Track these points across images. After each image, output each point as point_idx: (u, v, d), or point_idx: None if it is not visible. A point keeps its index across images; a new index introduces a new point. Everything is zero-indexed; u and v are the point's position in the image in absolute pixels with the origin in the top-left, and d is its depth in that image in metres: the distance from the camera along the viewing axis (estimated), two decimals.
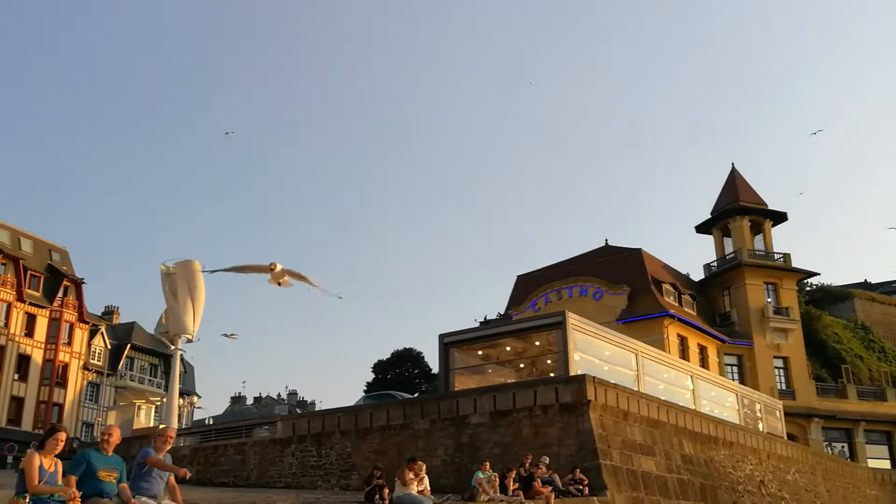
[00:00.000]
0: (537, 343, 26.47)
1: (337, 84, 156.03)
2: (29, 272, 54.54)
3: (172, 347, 29.37)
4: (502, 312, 54.02)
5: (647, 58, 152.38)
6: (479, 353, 27.34)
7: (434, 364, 56.78)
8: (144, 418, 33.15)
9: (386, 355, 69.21)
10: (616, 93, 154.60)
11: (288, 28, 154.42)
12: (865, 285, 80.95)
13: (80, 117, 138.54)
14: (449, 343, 26.33)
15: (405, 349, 69.07)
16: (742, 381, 45.89)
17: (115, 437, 7.98)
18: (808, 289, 65.65)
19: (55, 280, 56.54)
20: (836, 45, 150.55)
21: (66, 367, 55.21)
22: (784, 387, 49.24)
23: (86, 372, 57.09)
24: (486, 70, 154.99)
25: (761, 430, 33.80)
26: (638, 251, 50.26)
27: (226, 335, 29.54)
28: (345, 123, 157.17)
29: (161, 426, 28.23)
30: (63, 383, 55.03)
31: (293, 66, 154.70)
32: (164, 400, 34.12)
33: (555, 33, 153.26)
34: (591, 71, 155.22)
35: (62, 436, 7.54)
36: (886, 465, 49.30)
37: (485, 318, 61.20)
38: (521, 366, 27.60)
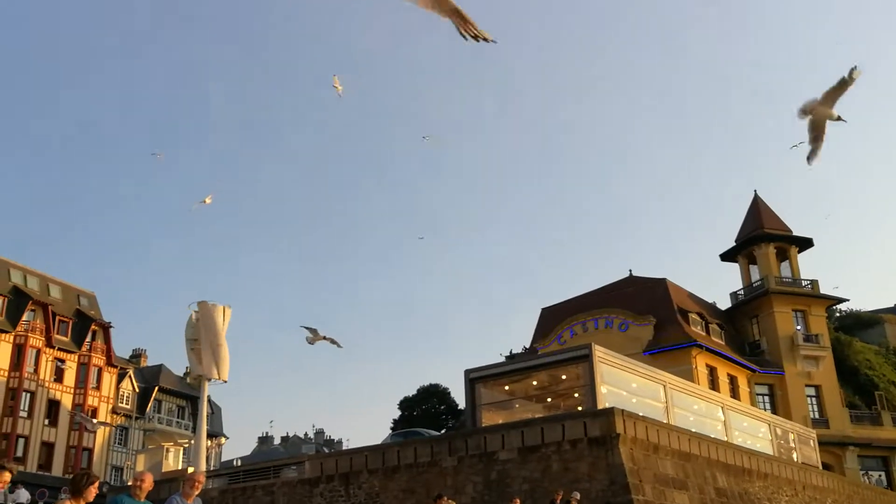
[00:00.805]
0: (564, 377, 26.33)
1: (359, 110, 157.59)
2: (58, 318, 55.17)
3: (208, 382, 29.45)
4: (528, 346, 53.80)
5: (667, 87, 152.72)
6: (506, 388, 27.22)
7: (461, 400, 56.41)
8: (173, 461, 33.22)
9: (412, 392, 69.05)
10: (637, 123, 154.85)
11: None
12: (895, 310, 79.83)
13: (106, 161, 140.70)
14: (475, 379, 26.25)
15: (431, 385, 68.84)
16: (774, 410, 45.22)
17: (148, 484, 8.02)
18: (837, 315, 64.85)
19: (83, 325, 57.11)
20: (860, 66, 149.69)
21: (94, 411, 55.48)
22: (817, 415, 48.41)
23: (114, 416, 57.38)
24: (511, 112, 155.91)
25: (796, 460, 33.23)
26: (662, 281, 49.97)
27: (330, 339, 27.95)
28: (368, 155, 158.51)
29: (189, 469, 28.26)
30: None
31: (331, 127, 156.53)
32: (192, 442, 34.20)
33: (577, 71, 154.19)
34: (610, 100, 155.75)
35: (97, 483, 7.60)
36: None
37: (510, 353, 60.91)
38: (549, 400, 27.42)
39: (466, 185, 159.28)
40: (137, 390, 60.01)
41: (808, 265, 56.77)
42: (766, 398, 48.59)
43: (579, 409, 24.37)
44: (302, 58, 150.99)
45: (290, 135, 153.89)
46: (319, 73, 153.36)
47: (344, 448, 63.85)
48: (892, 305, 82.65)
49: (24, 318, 53.04)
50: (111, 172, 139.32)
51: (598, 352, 24.06)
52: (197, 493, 8.48)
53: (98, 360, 56.66)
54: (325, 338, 27.39)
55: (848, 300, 57.45)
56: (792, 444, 34.99)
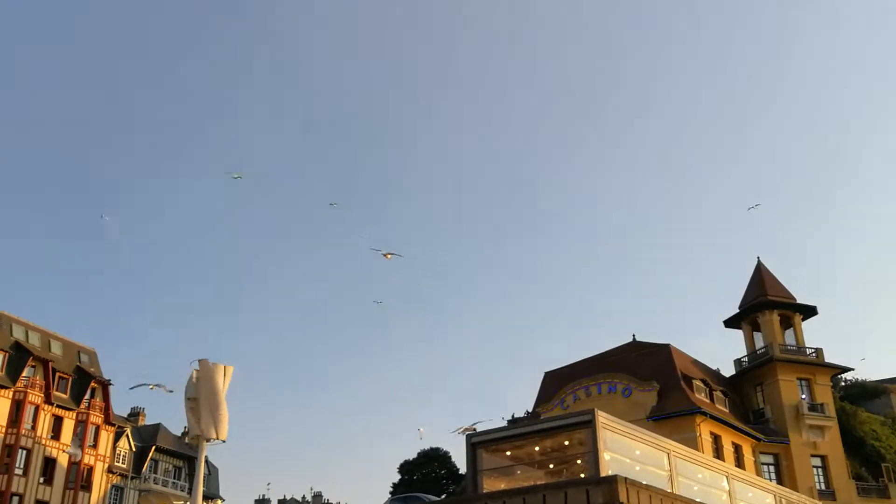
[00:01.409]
0: (566, 442, 25.98)
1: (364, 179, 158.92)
2: (57, 374, 54.95)
3: (207, 442, 29.20)
4: (530, 410, 53.30)
5: (670, 152, 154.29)
6: (508, 453, 26.85)
7: (462, 464, 55.65)
8: None
9: (412, 455, 68.11)
10: (641, 186, 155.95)
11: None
12: None
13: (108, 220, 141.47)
14: (476, 443, 25.93)
15: (432, 449, 67.92)
16: (779, 480, 44.52)
17: None
18: (842, 384, 64.26)
19: (83, 382, 56.82)
20: (862, 139, 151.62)
21: (90, 469, 54.85)
22: (823, 486, 47.60)
23: (110, 475, 56.65)
24: (506, 172, 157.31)
25: None
26: (666, 346, 49.75)
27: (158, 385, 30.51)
28: (368, 215, 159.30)
29: None
30: (87, 487, 54.57)
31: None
32: (188, 503, 33.69)
33: (584, 139, 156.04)
34: (614, 165, 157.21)
35: None
36: None
37: (512, 417, 60.32)
38: (551, 466, 27.02)
39: (471, 245, 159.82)
40: (134, 449, 59.35)
41: (812, 333, 56.54)
42: (772, 468, 47.86)
43: (582, 476, 24.02)
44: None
45: (284, 195, 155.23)
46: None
47: None
48: None
49: (24, 373, 52.83)
50: (115, 225, 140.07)
51: (602, 417, 23.80)
52: None
53: (96, 417, 56.20)
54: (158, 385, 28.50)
55: (853, 369, 57.08)
56: None
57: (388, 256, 29.03)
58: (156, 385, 28.99)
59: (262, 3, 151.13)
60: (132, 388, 29.42)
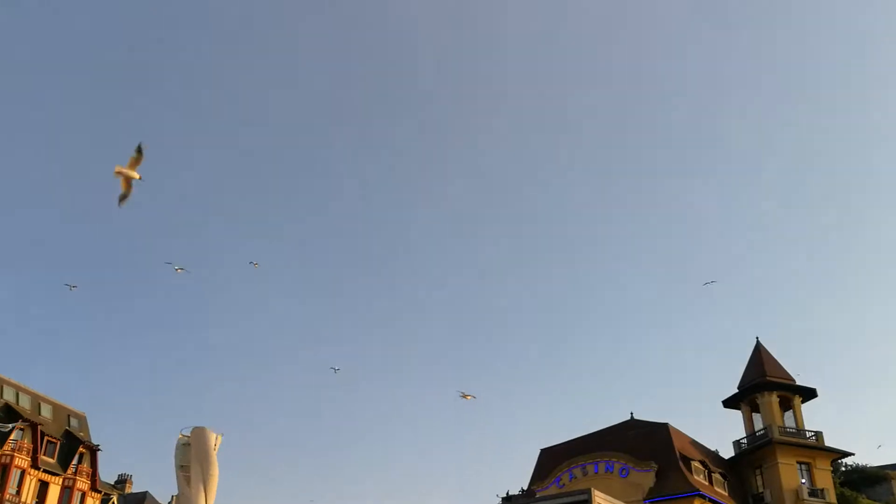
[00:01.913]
0: None
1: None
2: (46, 438, 53.99)
3: None
4: (525, 488, 52.35)
5: (669, 232, 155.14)
6: None
7: None
8: None
9: None
10: (639, 265, 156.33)
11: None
12: None
13: (104, 277, 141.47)
14: None
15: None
16: None
17: None
18: (843, 469, 63.33)
19: (71, 446, 55.81)
20: (859, 217, 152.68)
21: None
22: None
23: None
24: (503, 250, 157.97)
25: None
26: (664, 426, 49.18)
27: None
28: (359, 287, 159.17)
29: None
30: None
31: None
32: None
33: (587, 220, 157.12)
34: (614, 243, 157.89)
35: None
36: None
37: (507, 494, 59.17)
38: None
39: (466, 330, 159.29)
40: None
41: (811, 415, 55.96)
42: None
43: None
44: None
45: (286, 269, 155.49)
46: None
47: None
48: None
49: (13, 436, 51.95)
50: (114, 287, 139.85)
51: (598, 497, 23.45)
52: None
53: (83, 484, 55.04)
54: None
55: (853, 454, 56.36)
56: None
57: (468, 398, 29.58)
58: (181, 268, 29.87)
59: None
60: (170, 265, 30.45)
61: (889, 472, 66.88)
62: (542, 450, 53.13)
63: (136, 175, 20.44)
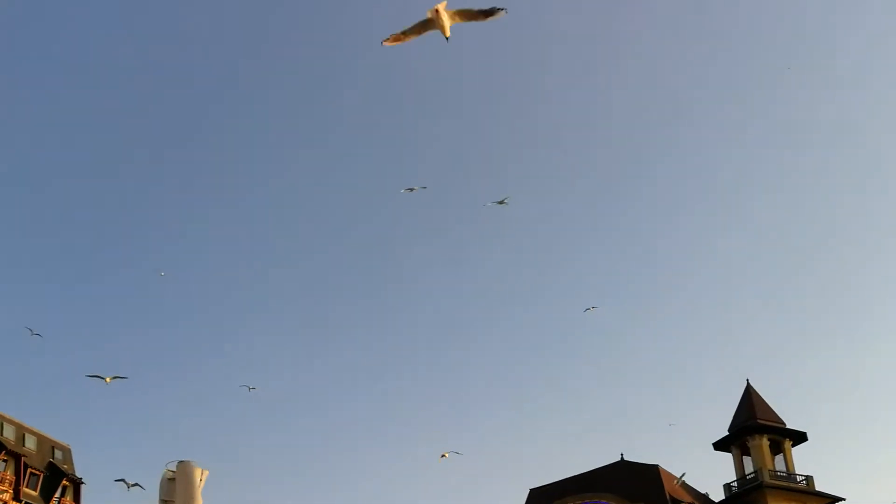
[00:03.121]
0: None
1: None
2: (29, 470, 53.25)
3: None
4: None
5: (658, 267, 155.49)
6: None
7: None
8: None
9: None
10: (627, 301, 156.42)
11: None
12: None
13: (89, 306, 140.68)
14: None
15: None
16: None
17: None
18: None
19: (55, 479, 55.05)
20: (858, 261, 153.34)
21: None
22: None
23: None
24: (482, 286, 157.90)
25: None
26: (654, 467, 48.96)
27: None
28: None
29: None
30: None
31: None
32: None
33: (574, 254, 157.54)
34: (600, 280, 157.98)
35: None
36: None
37: None
38: None
39: (462, 357, 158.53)
40: None
41: (802, 460, 55.79)
42: None
43: None
44: None
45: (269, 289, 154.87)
46: None
47: None
48: None
49: None
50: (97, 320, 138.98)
51: None
52: None
53: None
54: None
55: (845, 499, 56.00)
56: None
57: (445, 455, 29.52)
58: (134, 484, 28.65)
59: None
60: (117, 481, 29.19)
61: None
62: (531, 490, 52.73)
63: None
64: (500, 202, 34.96)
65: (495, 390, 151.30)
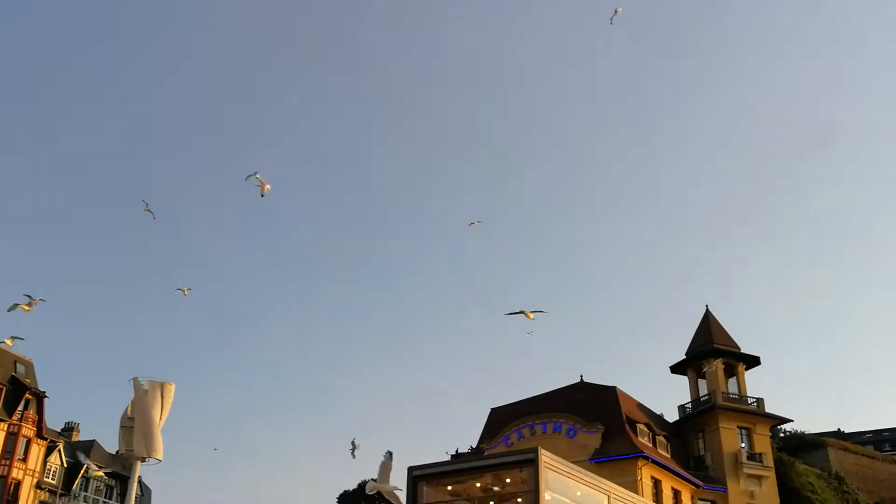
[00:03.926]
0: (508, 480, 25.84)
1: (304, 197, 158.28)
2: None
3: (141, 462, 28.39)
4: (474, 446, 53.07)
5: (624, 197, 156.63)
6: (449, 487, 26.59)
7: (403, 497, 55.02)
8: None
9: (353, 485, 67.26)
10: (591, 231, 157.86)
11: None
12: (838, 434, 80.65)
13: (62, 228, 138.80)
14: (418, 476, 25.62)
15: (373, 479, 67.08)
16: None
17: None
18: (781, 435, 65.28)
19: (17, 393, 55.07)
20: (806, 187, 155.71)
21: (18, 484, 53.05)
22: None
23: (38, 491, 54.83)
24: (458, 207, 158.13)
25: None
26: (613, 389, 50.06)
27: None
28: (312, 249, 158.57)
29: None
30: (13, 502, 52.67)
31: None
32: None
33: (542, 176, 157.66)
34: (564, 206, 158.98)
35: None
36: None
37: (456, 452, 59.99)
38: (492, 503, 26.86)
39: (427, 282, 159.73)
40: (66, 465, 57.59)
41: (754, 383, 57.40)
42: None
43: None
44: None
45: (238, 227, 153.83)
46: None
47: None
48: (834, 430, 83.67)
49: None
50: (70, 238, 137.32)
51: (545, 457, 23.74)
52: None
53: (28, 430, 54.51)
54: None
55: (792, 420, 58.04)
56: None
57: (531, 316, 28.12)
58: (28, 304, 26.95)
59: None
60: (9, 310, 26.71)
61: (825, 439, 69.24)
62: (492, 409, 53.76)
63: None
64: None
65: (459, 309, 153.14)
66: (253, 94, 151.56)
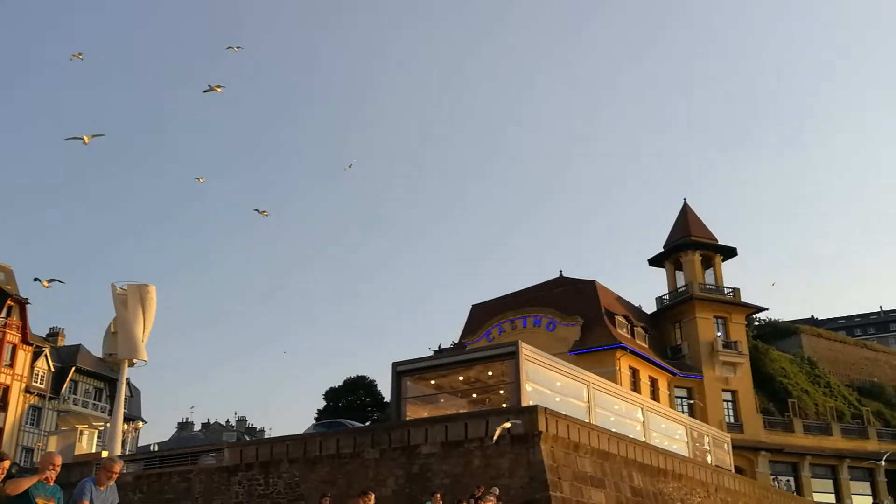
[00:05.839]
0: (490, 373, 26.46)
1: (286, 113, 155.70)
2: None
3: (128, 364, 28.80)
4: (456, 342, 53.95)
5: (604, 95, 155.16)
6: (432, 382, 27.22)
7: (387, 392, 56.37)
8: (87, 444, 32.33)
9: (338, 382, 68.59)
10: (573, 127, 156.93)
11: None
12: (812, 321, 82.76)
13: (36, 134, 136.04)
14: (402, 371, 26.18)
15: (358, 377, 68.42)
16: (692, 413, 46.37)
17: (57, 467, 7.67)
18: (756, 324, 66.78)
19: None
20: (788, 86, 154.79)
21: (7, 389, 53.61)
22: (732, 420, 49.85)
23: (27, 395, 55.46)
24: (444, 105, 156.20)
25: (710, 463, 34.13)
26: (592, 283, 50.67)
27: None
28: (301, 152, 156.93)
29: (104, 453, 27.55)
30: (3, 406, 53.36)
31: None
32: (108, 425, 33.34)
33: (522, 77, 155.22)
34: (549, 103, 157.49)
35: (6, 464, 7.24)
36: (831, 499, 50.05)
37: (439, 347, 60.98)
38: (474, 396, 27.54)
39: (410, 181, 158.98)
40: (53, 370, 58.12)
41: (731, 274, 58.40)
42: (685, 401, 49.79)
43: (504, 405, 24.56)
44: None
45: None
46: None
47: (266, 437, 63.02)
48: (808, 317, 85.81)
49: None
50: (42, 145, 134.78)
51: (525, 350, 24.25)
52: (112, 483, 8.15)
53: (13, 336, 54.68)
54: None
55: (767, 309, 59.29)
56: (707, 447, 35.91)
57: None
58: (50, 281, 27.51)
59: None
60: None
61: (799, 326, 71.00)
62: (473, 305, 54.47)
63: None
64: None
65: (441, 208, 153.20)
66: None
